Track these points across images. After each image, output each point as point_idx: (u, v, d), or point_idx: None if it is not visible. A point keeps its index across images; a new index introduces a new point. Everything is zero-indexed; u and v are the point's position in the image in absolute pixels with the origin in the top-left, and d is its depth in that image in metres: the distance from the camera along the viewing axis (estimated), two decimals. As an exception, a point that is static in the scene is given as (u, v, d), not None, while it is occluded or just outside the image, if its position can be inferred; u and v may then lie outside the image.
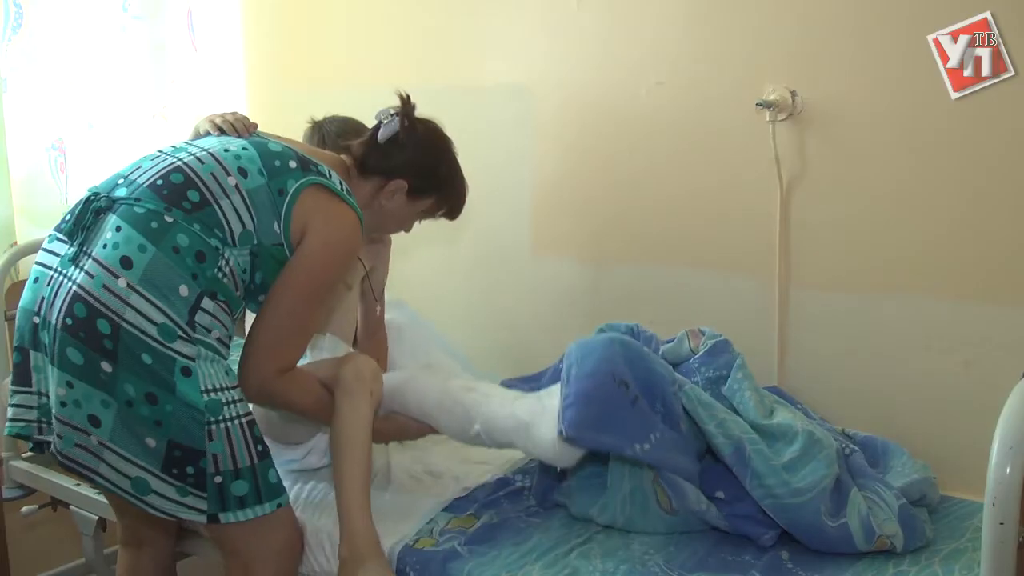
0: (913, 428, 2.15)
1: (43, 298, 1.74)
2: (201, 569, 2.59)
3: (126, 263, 1.70)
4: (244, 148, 1.86)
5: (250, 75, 3.27)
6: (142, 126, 3.01)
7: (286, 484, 1.96)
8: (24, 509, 2.62)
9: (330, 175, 1.89)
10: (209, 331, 1.75)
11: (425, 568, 1.84)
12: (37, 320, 1.75)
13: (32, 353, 1.78)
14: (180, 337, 1.70)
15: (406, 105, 2.02)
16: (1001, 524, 1.30)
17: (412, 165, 2.04)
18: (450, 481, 2.18)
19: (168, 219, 1.74)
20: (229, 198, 1.78)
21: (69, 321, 1.68)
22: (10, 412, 1.82)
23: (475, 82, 2.75)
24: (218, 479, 1.73)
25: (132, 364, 1.67)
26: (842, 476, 1.90)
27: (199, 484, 1.72)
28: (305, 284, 1.85)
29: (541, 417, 1.91)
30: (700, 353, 2.15)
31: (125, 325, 1.67)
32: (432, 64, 2.84)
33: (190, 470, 1.71)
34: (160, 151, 1.89)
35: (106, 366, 1.67)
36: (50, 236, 1.83)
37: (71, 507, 2.51)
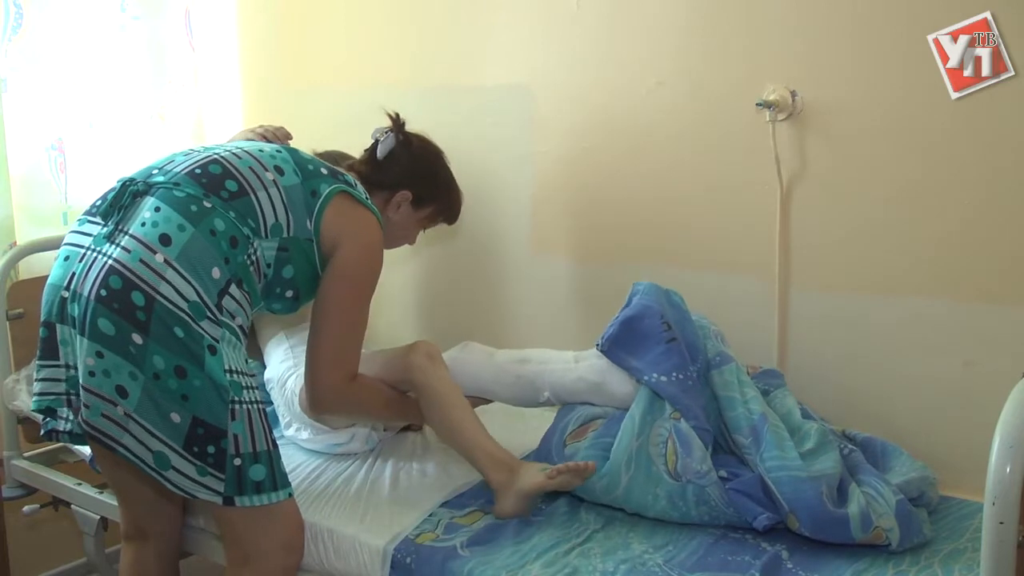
0: (913, 428, 2.15)
1: (74, 273, 1.79)
2: (203, 570, 2.60)
3: (165, 240, 1.77)
4: (278, 151, 1.98)
5: (247, 75, 3.27)
6: (141, 126, 3.01)
7: (313, 466, 2.23)
8: (25, 508, 2.63)
9: (356, 185, 2.02)
10: (233, 316, 1.83)
11: (425, 564, 1.84)
12: (66, 294, 1.79)
13: (59, 327, 1.82)
14: (208, 317, 1.76)
15: (397, 121, 2.22)
16: (1001, 524, 1.30)
17: (413, 175, 2.21)
18: (451, 475, 2.19)
19: (207, 204, 1.82)
20: (267, 190, 1.89)
21: (103, 292, 1.73)
22: (37, 387, 1.87)
23: (475, 82, 2.75)
24: (237, 461, 1.77)
25: (164, 336, 1.72)
26: (844, 475, 1.91)
27: (219, 464, 1.76)
28: (352, 290, 1.97)
29: (610, 375, 2.13)
30: (755, 374, 2.22)
31: (159, 298, 1.73)
32: (432, 64, 2.84)
33: (211, 449, 1.75)
34: (192, 148, 1.99)
35: (137, 338, 1.72)
36: (80, 220, 1.90)
37: (72, 506, 2.51)
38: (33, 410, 1.92)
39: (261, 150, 1.96)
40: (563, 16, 2.54)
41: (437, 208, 2.29)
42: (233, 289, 1.81)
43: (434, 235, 2.89)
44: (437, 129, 2.83)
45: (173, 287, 1.74)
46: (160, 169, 1.90)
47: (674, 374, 2.03)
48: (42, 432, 1.94)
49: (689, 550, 1.86)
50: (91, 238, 1.83)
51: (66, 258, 1.84)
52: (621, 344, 2.09)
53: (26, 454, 2.66)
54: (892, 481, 1.91)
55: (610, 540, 1.91)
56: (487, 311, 2.83)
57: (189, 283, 1.75)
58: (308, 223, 1.91)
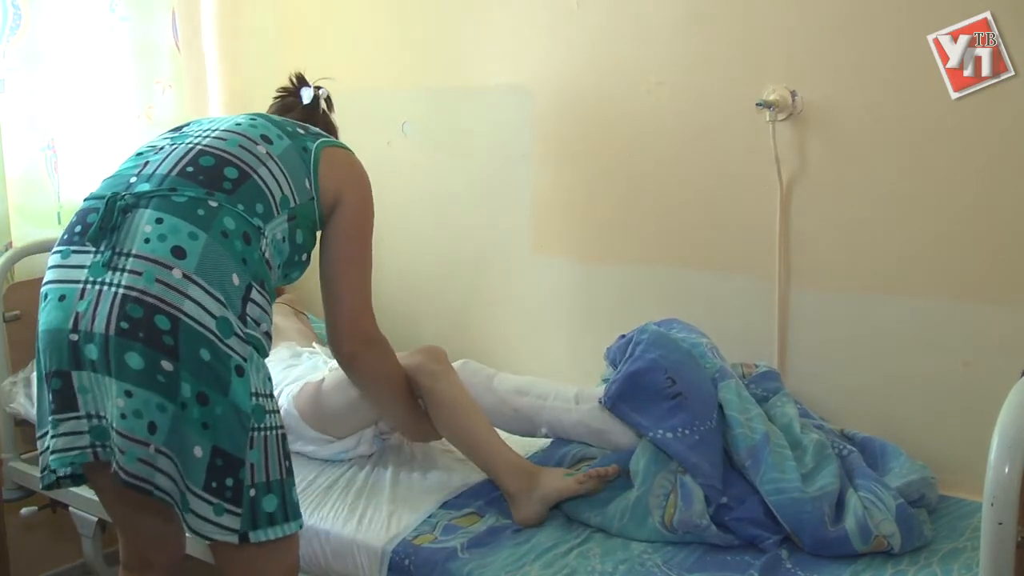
0: (913, 428, 2.15)
1: (78, 313, 1.60)
2: None
3: (178, 253, 1.61)
4: (253, 119, 1.87)
5: (237, 75, 3.27)
6: (129, 126, 3.02)
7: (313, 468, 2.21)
8: (24, 510, 2.63)
9: (322, 132, 1.96)
10: (259, 324, 1.69)
11: (424, 566, 1.84)
12: (75, 337, 1.60)
13: (76, 374, 1.63)
14: (235, 334, 1.62)
15: (302, 77, 2.23)
16: (1000, 524, 1.30)
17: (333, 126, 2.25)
18: (450, 477, 2.19)
19: (212, 204, 1.67)
20: (265, 165, 1.77)
21: (125, 325, 1.57)
22: (58, 442, 1.67)
23: (475, 82, 2.75)
24: (252, 492, 1.63)
25: (191, 361, 1.58)
26: (843, 483, 1.91)
27: (236, 499, 1.62)
28: (362, 239, 1.92)
29: (613, 424, 2.10)
30: (752, 376, 2.22)
31: (184, 319, 1.58)
32: (432, 64, 2.84)
33: (229, 482, 1.61)
34: (159, 143, 1.84)
35: (167, 364, 1.57)
36: (61, 252, 1.69)
37: (70, 508, 2.51)
38: (53, 469, 1.71)
39: (238, 123, 1.83)
40: (563, 16, 2.54)
41: None
42: (255, 293, 1.68)
43: (433, 234, 2.89)
44: (437, 129, 2.84)
45: (198, 304, 1.59)
46: (139, 175, 1.73)
47: (680, 430, 1.96)
48: (42, 486, 1.78)
49: (688, 550, 1.85)
50: (85, 270, 1.63)
51: (61, 297, 1.64)
52: (625, 399, 2.04)
53: (24, 456, 2.66)
54: (892, 484, 1.91)
55: (609, 540, 1.90)
56: (487, 311, 2.82)
57: (213, 297, 1.61)
58: (307, 183, 1.82)
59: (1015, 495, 1.30)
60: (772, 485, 1.87)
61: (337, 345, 1.94)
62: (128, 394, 1.58)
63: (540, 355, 2.73)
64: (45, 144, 2.81)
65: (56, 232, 2.74)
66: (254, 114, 1.91)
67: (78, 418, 1.66)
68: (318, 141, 1.88)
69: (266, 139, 1.81)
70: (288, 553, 1.76)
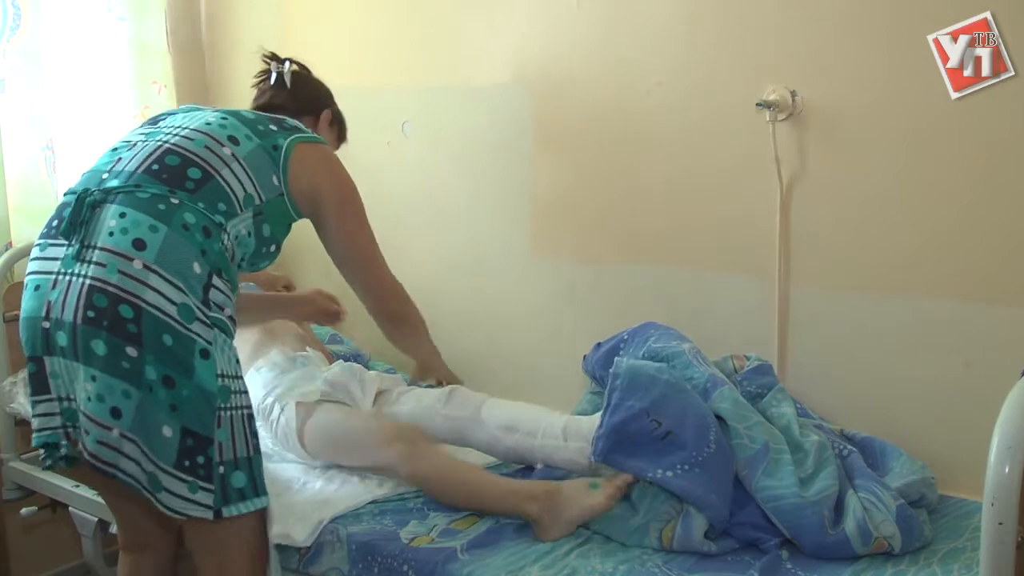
0: (913, 428, 2.15)
1: (50, 302, 1.73)
2: None
3: (139, 245, 1.71)
4: (224, 118, 1.93)
5: (235, 74, 3.26)
6: (125, 126, 3.01)
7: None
8: (23, 510, 2.62)
9: (301, 127, 2.02)
10: (222, 308, 1.78)
11: (423, 567, 1.83)
12: (47, 325, 1.73)
13: (48, 359, 1.76)
14: (198, 319, 1.72)
15: (276, 56, 2.28)
16: (1000, 524, 1.30)
17: (325, 94, 2.34)
18: None
19: (174, 201, 1.77)
20: (229, 167, 1.85)
21: (91, 314, 1.68)
22: (36, 423, 1.81)
23: (475, 82, 2.75)
24: (221, 469, 1.74)
25: (154, 346, 1.68)
26: (842, 484, 1.90)
27: (207, 476, 1.73)
28: (355, 218, 2.04)
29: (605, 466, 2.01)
30: (743, 372, 2.18)
31: (146, 307, 1.68)
32: (432, 64, 2.84)
33: (200, 459, 1.72)
34: (132, 138, 1.92)
35: (131, 351, 1.67)
36: (40, 245, 1.82)
37: (70, 508, 2.51)
38: (34, 446, 1.85)
39: (208, 123, 1.90)
40: (563, 16, 2.54)
41: (341, 126, 2.37)
42: (216, 280, 1.76)
43: (433, 234, 2.89)
44: (437, 129, 2.84)
45: (158, 292, 1.69)
46: (111, 171, 1.82)
47: (678, 467, 1.88)
48: (43, 467, 1.89)
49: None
50: (58, 261, 1.75)
51: (36, 287, 1.77)
52: (615, 451, 1.94)
53: (23, 456, 2.66)
54: (892, 485, 1.90)
55: (609, 541, 1.90)
56: (487, 311, 2.82)
57: (173, 284, 1.70)
58: (275, 178, 1.90)
59: (1015, 495, 1.30)
60: (767, 492, 1.86)
61: (380, 325, 2.21)
62: (94, 379, 1.69)
63: (540, 355, 2.73)
64: (45, 144, 2.81)
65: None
66: (226, 112, 1.97)
67: (50, 400, 1.79)
68: (290, 138, 1.95)
69: (233, 140, 1.88)
70: (257, 533, 1.90)
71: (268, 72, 2.26)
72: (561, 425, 2.10)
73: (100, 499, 2.38)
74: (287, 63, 2.27)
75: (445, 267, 2.90)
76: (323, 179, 1.98)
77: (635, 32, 2.43)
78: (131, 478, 1.73)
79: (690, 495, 1.86)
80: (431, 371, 2.41)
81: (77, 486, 2.49)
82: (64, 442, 1.81)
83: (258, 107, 2.22)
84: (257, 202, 1.87)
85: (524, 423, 2.14)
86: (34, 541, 2.88)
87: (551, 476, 2.06)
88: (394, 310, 2.19)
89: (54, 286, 1.73)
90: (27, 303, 1.78)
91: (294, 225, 2.00)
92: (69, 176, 2.87)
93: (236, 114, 1.96)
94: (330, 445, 2.18)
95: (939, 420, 2.13)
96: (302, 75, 2.31)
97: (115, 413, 1.69)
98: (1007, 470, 1.29)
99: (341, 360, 2.54)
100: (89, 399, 1.70)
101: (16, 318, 2.61)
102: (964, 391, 2.09)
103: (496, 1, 2.67)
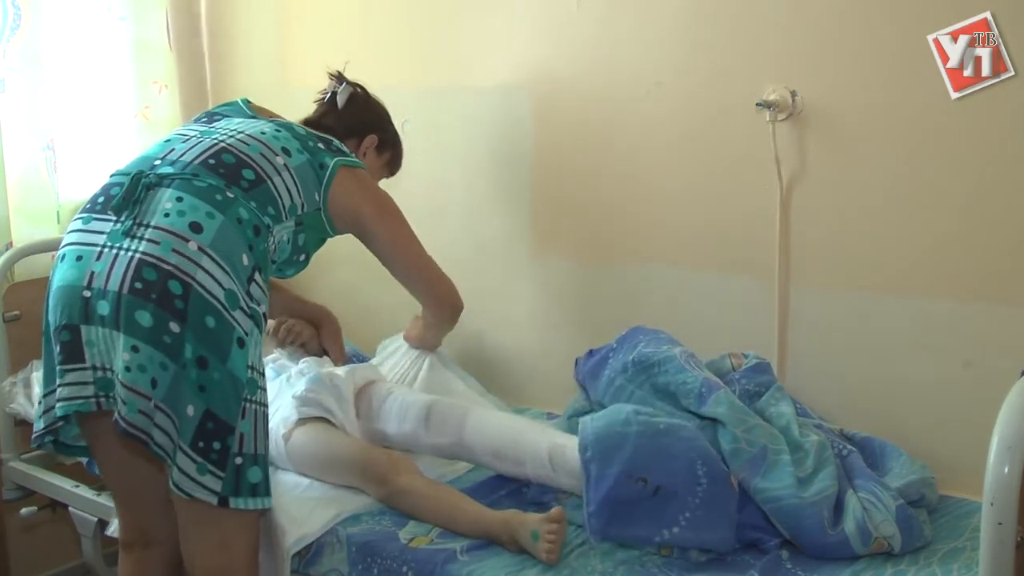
0: (913, 428, 2.14)
1: (94, 272, 1.75)
2: None
3: (196, 227, 1.77)
4: (277, 130, 2.01)
5: (234, 74, 3.27)
6: (126, 125, 3.02)
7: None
8: (23, 511, 2.62)
9: (345, 151, 2.10)
10: (259, 304, 1.83)
11: (423, 568, 1.83)
12: (88, 294, 1.75)
13: (84, 328, 1.77)
14: (241, 308, 1.77)
15: (342, 75, 2.36)
16: (1000, 524, 1.30)
17: (377, 119, 2.38)
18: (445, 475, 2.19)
19: (229, 195, 1.83)
20: (280, 175, 1.93)
21: (139, 285, 1.71)
22: (64, 392, 1.80)
23: (475, 82, 2.75)
24: (239, 460, 1.76)
25: (197, 325, 1.72)
26: (842, 484, 1.90)
27: (220, 462, 1.74)
28: (400, 229, 2.18)
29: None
30: (741, 370, 2.18)
31: (196, 286, 1.73)
32: (432, 64, 2.84)
33: (216, 445, 1.74)
34: (186, 132, 1.98)
35: (174, 326, 1.71)
36: (83, 218, 1.84)
37: (70, 508, 2.51)
38: (59, 416, 1.83)
39: (263, 132, 1.97)
40: (563, 16, 2.54)
41: (393, 154, 2.43)
42: (257, 276, 1.82)
43: (433, 235, 2.88)
44: (437, 129, 2.84)
45: (209, 274, 1.74)
46: (163, 159, 1.88)
47: (680, 519, 1.82)
48: (33, 439, 1.90)
49: (688, 551, 1.85)
50: (104, 235, 1.78)
51: (78, 257, 1.78)
52: (611, 524, 1.84)
53: (23, 456, 2.66)
54: (892, 485, 1.90)
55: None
56: (487, 312, 2.82)
57: (223, 269, 1.75)
58: (317, 195, 1.99)
59: (1015, 495, 1.30)
60: (766, 494, 1.85)
61: (438, 322, 2.41)
62: (135, 349, 1.71)
63: (540, 356, 2.73)
64: (45, 144, 2.81)
65: (56, 232, 2.74)
66: (279, 125, 2.04)
67: (83, 369, 1.79)
68: (335, 160, 2.03)
69: (286, 151, 1.97)
70: (255, 530, 1.90)
71: (327, 90, 2.36)
72: (547, 449, 2.03)
73: (100, 499, 2.39)
74: (344, 84, 2.34)
75: (445, 267, 2.89)
76: (360, 201, 2.08)
77: (635, 32, 2.43)
78: (160, 448, 1.75)
79: (703, 543, 1.82)
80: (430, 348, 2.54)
81: (77, 486, 2.49)
82: (95, 411, 1.81)
83: (307, 123, 2.27)
84: (299, 212, 1.96)
85: (508, 450, 2.08)
86: (34, 541, 2.89)
87: (550, 491, 2.05)
88: (455, 305, 2.35)
89: (99, 258, 1.76)
90: (65, 271, 1.79)
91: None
92: (71, 176, 2.87)
93: (289, 128, 2.04)
94: (316, 469, 2.15)
95: (939, 420, 2.13)
96: (357, 97, 2.36)
97: (153, 383, 1.72)
98: (1007, 470, 1.30)
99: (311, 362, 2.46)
100: (128, 369, 1.72)
101: (16, 318, 2.64)
102: (964, 391, 2.09)
103: (496, 2, 2.67)
